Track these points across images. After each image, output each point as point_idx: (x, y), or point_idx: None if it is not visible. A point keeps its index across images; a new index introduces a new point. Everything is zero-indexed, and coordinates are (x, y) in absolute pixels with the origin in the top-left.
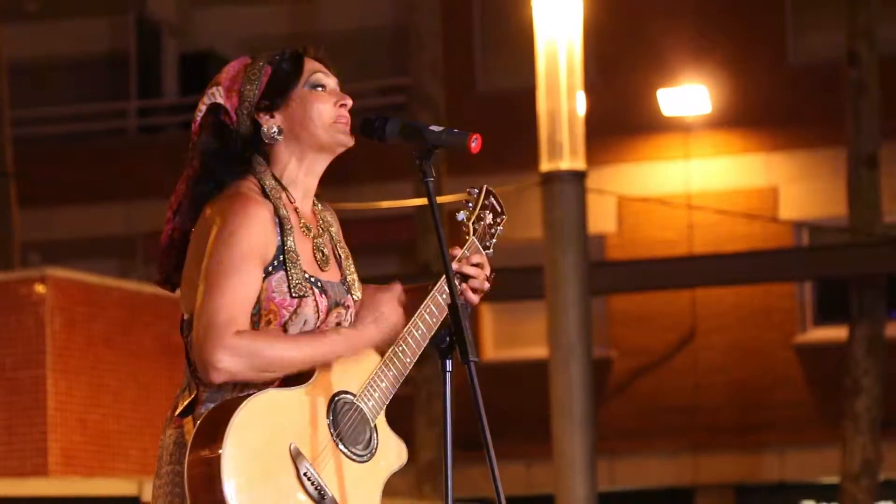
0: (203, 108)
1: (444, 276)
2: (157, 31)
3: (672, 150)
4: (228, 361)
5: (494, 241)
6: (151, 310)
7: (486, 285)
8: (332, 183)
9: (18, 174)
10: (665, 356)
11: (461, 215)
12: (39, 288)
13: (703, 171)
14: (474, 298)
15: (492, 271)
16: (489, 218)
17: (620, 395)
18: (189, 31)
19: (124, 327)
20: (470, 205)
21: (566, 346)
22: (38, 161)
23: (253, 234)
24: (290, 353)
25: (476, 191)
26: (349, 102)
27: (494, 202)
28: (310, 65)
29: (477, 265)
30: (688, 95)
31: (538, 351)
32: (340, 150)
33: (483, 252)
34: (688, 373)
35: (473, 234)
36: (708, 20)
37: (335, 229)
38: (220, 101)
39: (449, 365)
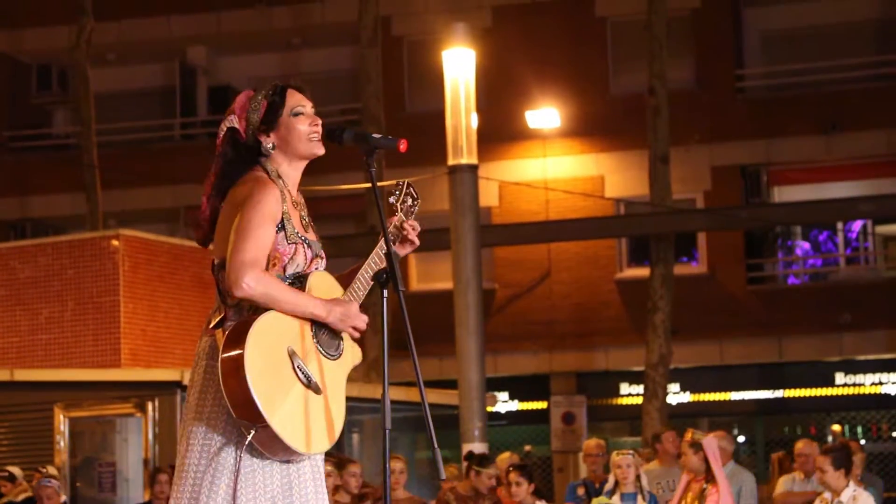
0: (224, 128)
1: (382, 237)
2: (194, 72)
3: (535, 151)
4: (253, 286)
5: (413, 216)
6: (190, 257)
7: (417, 241)
8: (311, 173)
9: (101, 167)
10: (530, 287)
11: (392, 199)
12: (115, 242)
13: (555, 165)
14: (413, 246)
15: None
16: (409, 201)
17: (500, 314)
18: (215, 72)
19: (171, 269)
20: (397, 192)
21: (465, 280)
22: (114, 158)
23: (272, 203)
24: (287, 295)
25: (402, 183)
26: (320, 122)
27: (413, 191)
28: (292, 96)
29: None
30: (545, 115)
31: (447, 284)
32: (314, 157)
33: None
34: (545, 299)
35: (400, 211)
36: (558, 66)
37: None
38: (235, 125)
39: (385, 293)
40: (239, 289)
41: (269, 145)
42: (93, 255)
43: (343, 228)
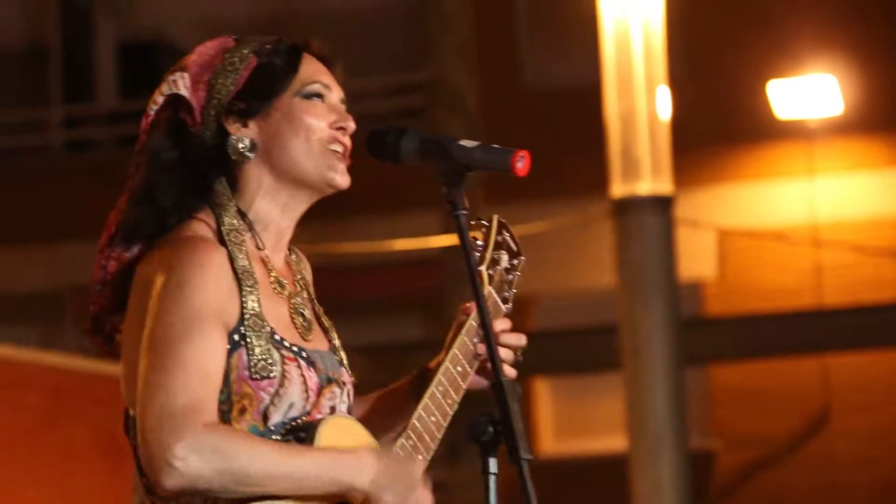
0: (160, 99)
1: (459, 337)
2: (88, 16)
3: (791, 166)
4: (192, 461)
5: (514, 291)
6: (86, 393)
7: (513, 372)
8: (328, 215)
9: None
10: (789, 446)
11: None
12: None
13: (832, 192)
14: (512, 372)
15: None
16: (504, 260)
17: (728, 500)
18: (129, 14)
19: (48, 417)
20: (480, 244)
21: (652, 434)
22: None
23: (208, 288)
24: (276, 465)
25: (486, 224)
26: (351, 127)
27: (509, 239)
28: (309, 65)
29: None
30: (811, 91)
31: (614, 442)
32: (329, 191)
33: (504, 309)
34: (820, 468)
35: (490, 284)
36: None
37: (311, 287)
38: (184, 92)
39: (493, 465)
40: (166, 473)
41: (244, 143)
42: None
43: (399, 328)
